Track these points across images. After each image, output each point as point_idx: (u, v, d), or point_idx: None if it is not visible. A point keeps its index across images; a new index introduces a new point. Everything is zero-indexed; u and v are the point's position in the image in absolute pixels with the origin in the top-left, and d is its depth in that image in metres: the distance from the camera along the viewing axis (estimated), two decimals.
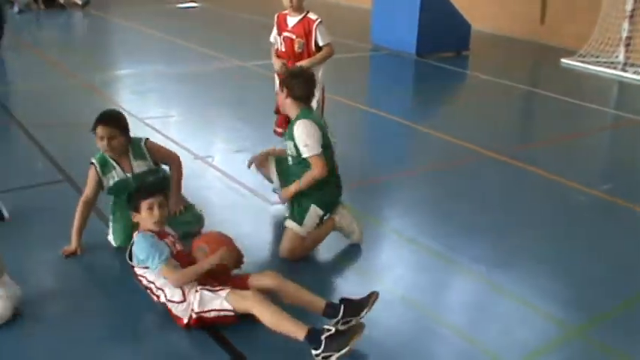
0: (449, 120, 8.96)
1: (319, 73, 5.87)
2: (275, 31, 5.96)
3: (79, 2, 17.53)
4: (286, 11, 5.90)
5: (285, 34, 5.82)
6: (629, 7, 11.51)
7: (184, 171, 4.98)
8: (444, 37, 12.39)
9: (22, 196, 5.65)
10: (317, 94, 5.62)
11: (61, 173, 6.16)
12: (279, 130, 6.05)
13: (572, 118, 9.14)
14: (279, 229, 4.97)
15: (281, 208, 5.44)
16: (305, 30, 5.76)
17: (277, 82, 5.78)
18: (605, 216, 5.84)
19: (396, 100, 9.62)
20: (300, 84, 4.74)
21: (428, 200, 6.04)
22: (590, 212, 5.92)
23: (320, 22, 5.81)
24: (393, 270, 4.77)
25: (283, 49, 5.89)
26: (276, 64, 5.87)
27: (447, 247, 5.00)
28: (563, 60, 12.31)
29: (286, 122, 5.71)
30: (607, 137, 8.56)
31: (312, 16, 5.82)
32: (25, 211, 5.30)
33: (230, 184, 6.10)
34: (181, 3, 18.85)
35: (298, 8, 5.78)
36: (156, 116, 8.10)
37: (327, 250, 4.94)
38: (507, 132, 8.53)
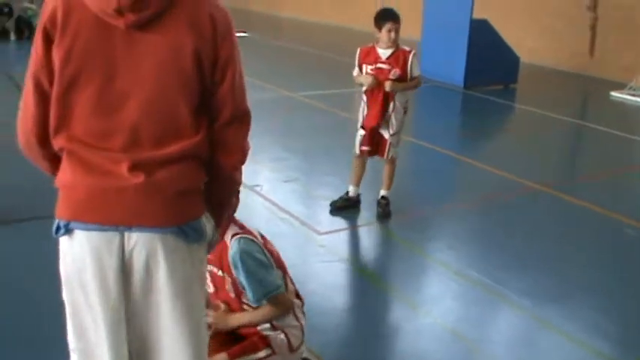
0: (497, 153, 8.95)
1: (406, 99, 6.10)
2: (357, 65, 6.05)
3: None
4: (371, 45, 6.01)
5: (379, 65, 5.91)
6: None
7: None
8: (492, 69, 12.38)
9: None
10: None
11: None
12: (365, 148, 6.13)
13: (622, 151, 9.05)
14: (327, 258, 5.01)
15: (329, 238, 5.49)
16: (401, 61, 5.88)
17: (365, 99, 6.01)
18: None
19: (443, 133, 9.65)
20: None
21: (476, 233, 6.04)
22: (637, 245, 5.86)
23: (415, 53, 5.97)
24: (441, 302, 4.77)
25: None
26: (366, 79, 5.93)
27: (495, 280, 4.99)
28: (612, 93, 12.21)
29: (370, 139, 5.97)
30: None
31: (405, 47, 5.98)
32: None
33: (278, 213, 6.17)
34: None
35: (395, 42, 5.90)
36: None
37: (376, 274, 4.96)
38: (556, 165, 8.48)
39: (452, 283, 5.06)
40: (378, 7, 6.40)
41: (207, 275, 3.13)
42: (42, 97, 2.23)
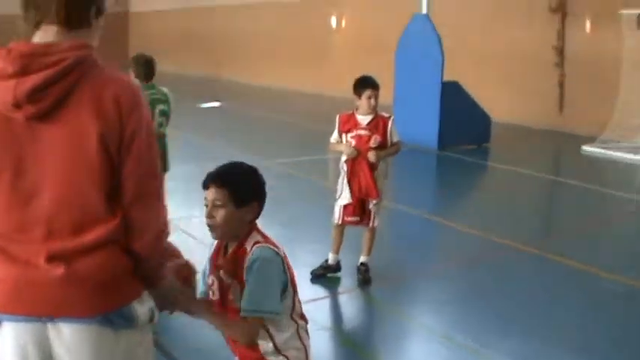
0: (473, 213, 8.98)
1: (387, 166, 6.17)
2: (337, 131, 6.07)
3: None
4: (350, 112, 6.05)
5: (359, 131, 5.94)
6: None
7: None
8: (464, 130, 12.57)
9: None
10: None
11: None
12: (352, 219, 6.11)
13: (596, 204, 9.14)
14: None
15: (310, 307, 5.42)
16: (380, 127, 5.92)
17: (346, 168, 5.98)
18: (633, 303, 5.78)
19: (420, 195, 9.72)
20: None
21: (458, 295, 6.01)
22: (619, 300, 5.87)
23: (393, 119, 6.03)
24: None
25: (352, 146, 6.00)
26: (347, 149, 5.92)
27: (480, 343, 4.95)
28: (584, 147, 12.40)
29: (358, 209, 5.98)
30: (633, 224, 8.53)
31: (384, 114, 6.03)
32: None
33: None
34: (204, 102, 19.32)
35: (374, 109, 5.95)
36: (180, 216, 8.20)
37: (359, 341, 4.90)
38: (531, 222, 8.54)
39: (437, 347, 5.01)
40: (350, 72, 6.45)
41: (215, 283, 3.01)
42: None
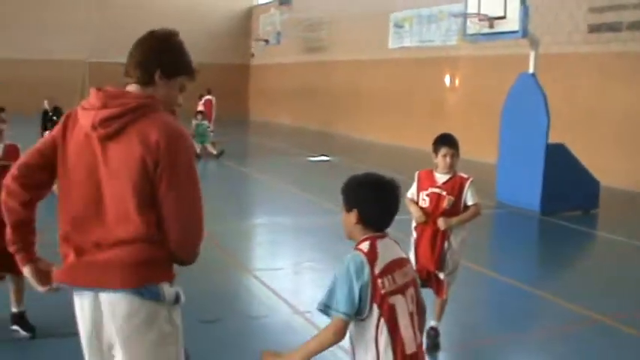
0: (569, 283, 8.45)
1: (463, 235, 5.83)
2: (415, 187, 5.93)
3: (214, 152, 18.52)
4: (430, 169, 5.92)
5: (433, 189, 5.78)
6: None
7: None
8: (570, 195, 12.01)
9: None
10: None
11: None
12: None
13: None
14: None
15: None
16: (456, 188, 5.75)
17: (415, 235, 5.82)
18: None
19: (513, 261, 9.25)
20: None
21: None
22: None
23: (472, 180, 5.82)
24: None
25: (426, 205, 5.82)
26: (417, 212, 5.77)
27: None
28: None
29: (424, 274, 5.76)
30: None
31: (463, 174, 5.84)
32: None
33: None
34: (313, 156, 19.52)
35: (451, 168, 5.80)
36: (264, 268, 8.18)
37: None
38: (634, 297, 7.96)
39: None
40: (462, 130, 6.34)
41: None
42: None
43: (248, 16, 37.29)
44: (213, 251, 8.77)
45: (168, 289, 3.11)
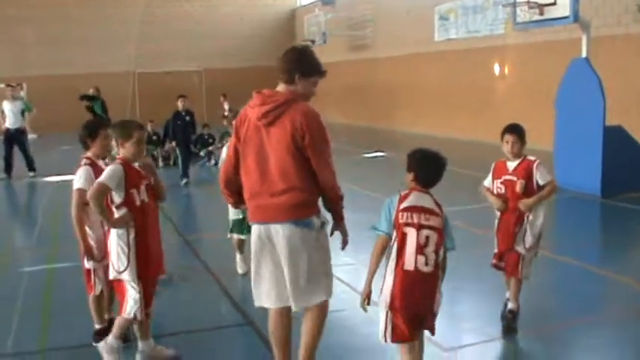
0: (636, 264, 8.59)
1: (542, 213, 6.11)
2: (490, 177, 6.27)
3: None
4: (504, 159, 6.22)
5: (506, 177, 6.11)
6: None
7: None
8: (630, 176, 12.06)
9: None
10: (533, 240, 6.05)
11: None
12: (495, 262, 6.25)
13: None
14: None
15: (454, 356, 5.43)
16: (526, 171, 6.03)
17: (498, 215, 6.17)
18: None
19: (581, 245, 9.40)
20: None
21: (610, 348, 5.82)
22: None
23: (539, 162, 6.10)
24: None
25: (502, 192, 6.15)
26: (495, 201, 6.14)
27: None
28: None
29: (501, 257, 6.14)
30: None
31: (530, 157, 6.12)
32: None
33: None
34: (368, 153, 19.72)
35: (518, 154, 6.09)
36: (338, 264, 8.38)
37: None
38: None
39: None
40: (513, 119, 6.60)
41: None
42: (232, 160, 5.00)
43: (291, 17, 37.53)
44: None
45: (316, 220, 4.74)
